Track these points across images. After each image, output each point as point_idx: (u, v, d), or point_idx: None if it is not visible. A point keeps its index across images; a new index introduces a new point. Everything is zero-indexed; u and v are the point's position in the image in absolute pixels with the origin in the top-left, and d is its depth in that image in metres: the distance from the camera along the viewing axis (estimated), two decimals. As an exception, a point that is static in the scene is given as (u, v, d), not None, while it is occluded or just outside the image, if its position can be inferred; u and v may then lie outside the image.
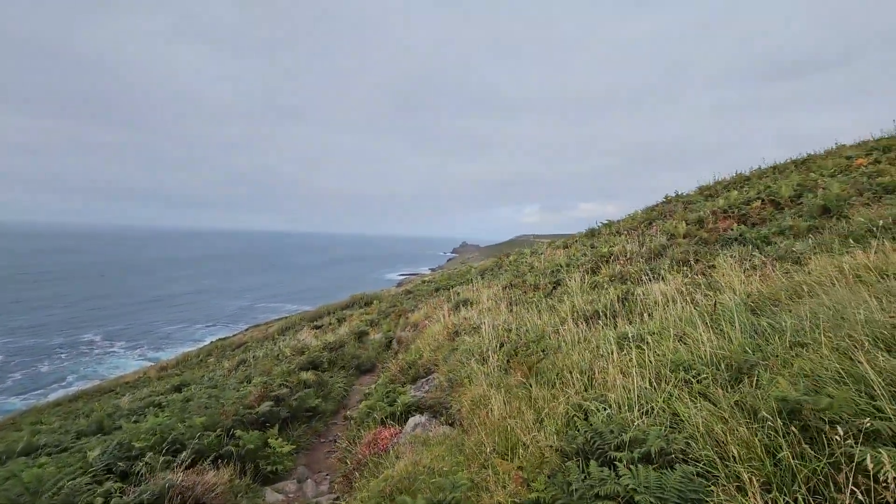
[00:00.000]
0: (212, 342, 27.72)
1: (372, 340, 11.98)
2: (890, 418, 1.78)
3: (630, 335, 3.76)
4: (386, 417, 5.08)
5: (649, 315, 4.38)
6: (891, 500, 1.49)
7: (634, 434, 2.31)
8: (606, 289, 6.40)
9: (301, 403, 6.35)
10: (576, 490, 2.11)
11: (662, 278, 5.86)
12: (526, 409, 3.23)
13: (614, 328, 4.33)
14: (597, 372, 3.33)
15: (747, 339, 2.96)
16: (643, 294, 5.24)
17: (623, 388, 2.90)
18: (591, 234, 13.83)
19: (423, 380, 6.15)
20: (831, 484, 1.66)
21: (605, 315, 4.97)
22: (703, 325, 3.24)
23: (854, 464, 1.61)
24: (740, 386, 2.45)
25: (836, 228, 5.76)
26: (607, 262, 8.62)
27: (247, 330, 32.09)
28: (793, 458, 1.80)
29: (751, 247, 6.36)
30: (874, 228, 4.76)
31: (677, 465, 2.03)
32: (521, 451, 2.83)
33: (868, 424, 1.70)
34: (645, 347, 3.34)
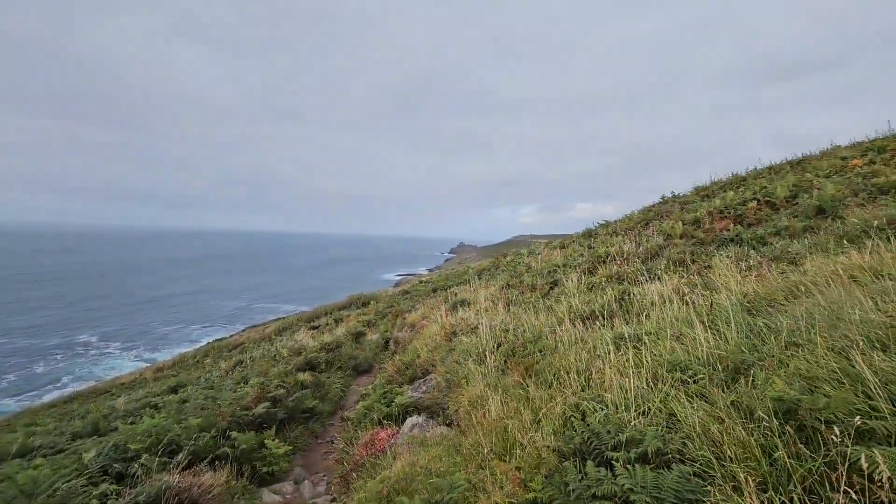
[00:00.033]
0: (208, 343, 27.63)
1: (369, 341, 11.96)
2: (885, 417, 1.79)
3: (627, 335, 3.77)
4: (383, 418, 5.07)
5: (646, 315, 4.40)
6: (885, 500, 1.50)
7: (631, 434, 2.32)
8: (603, 289, 6.41)
9: (298, 404, 6.34)
10: (573, 490, 2.11)
11: (659, 279, 5.88)
12: (523, 410, 3.23)
13: (611, 328, 4.34)
14: (594, 372, 3.34)
15: (743, 340, 2.97)
16: (640, 294, 5.26)
17: (620, 388, 2.90)
18: (589, 234, 13.85)
19: (421, 380, 6.15)
20: (827, 483, 1.67)
21: (602, 315, 4.98)
22: (699, 325, 3.25)
23: (849, 463, 1.62)
24: (736, 386, 2.46)
25: (832, 229, 5.79)
26: (604, 262, 8.64)
27: (244, 330, 32.02)
28: (788, 458, 1.81)
29: (747, 247, 6.39)
30: (869, 229, 4.78)
31: (674, 465, 2.03)
32: (518, 451, 2.83)
33: (859, 423, 1.71)
34: (642, 348, 3.35)
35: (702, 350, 2.95)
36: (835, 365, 2.18)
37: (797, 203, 7.87)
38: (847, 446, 1.66)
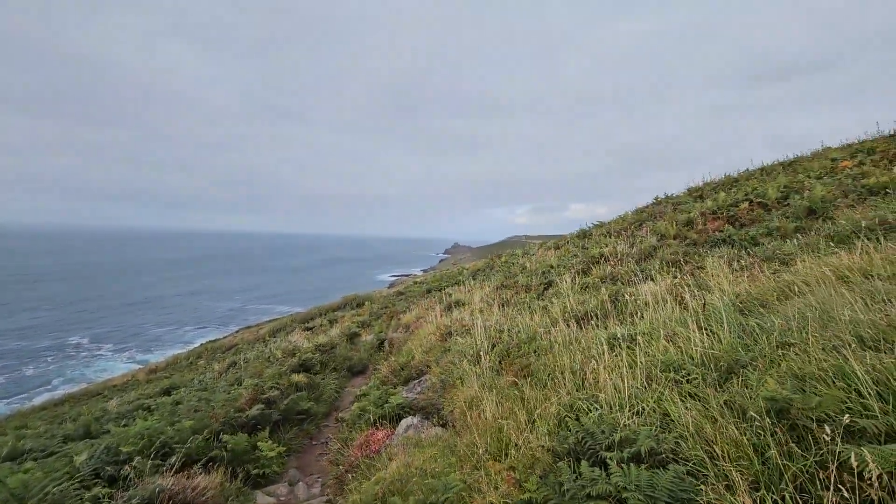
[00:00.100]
0: (202, 344, 27.47)
1: (364, 342, 11.93)
2: (877, 416, 1.81)
3: (621, 336, 3.79)
4: (378, 419, 5.06)
5: (640, 316, 4.42)
6: (875, 498, 1.52)
7: (625, 434, 2.33)
8: (598, 289, 6.44)
9: (292, 406, 6.31)
10: (567, 490, 2.11)
11: (653, 279, 5.91)
12: (518, 410, 3.23)
13: (605, 329, 4.36)
14: (588, 372, 3.35)
15: (736, 339, 2.99)
16: (634, 295, 5.28)
17: (614, 388, 2.92)
18: (583, 235, 13.90)
19: (416, 381, 6.14)
20: (818, 482, 1.69)
21: (596, 316, 5.00)
22: (693, 325, 3.27)
23: (839, 462, 1.64)
24: (729, 386, 2.48)
25: (822, 229, 5.85)
26: (598, 262, 8.68)
27: (237, 332, 31.82)
28: (780, 457, 1.83)
29: (739, 248, 6.44)
30: (858, 230, 4.84)
31: (669, 464, 2.04)
32: (513, 451, 2.84)
33: (847, 421, 1.73)
34: (636, 348, 3.37)
35: (695, 350, 2.98)
36: (826, 364, 2.20)
37: (788, 204, 7.95)
38: (837, 445, 1.68)
